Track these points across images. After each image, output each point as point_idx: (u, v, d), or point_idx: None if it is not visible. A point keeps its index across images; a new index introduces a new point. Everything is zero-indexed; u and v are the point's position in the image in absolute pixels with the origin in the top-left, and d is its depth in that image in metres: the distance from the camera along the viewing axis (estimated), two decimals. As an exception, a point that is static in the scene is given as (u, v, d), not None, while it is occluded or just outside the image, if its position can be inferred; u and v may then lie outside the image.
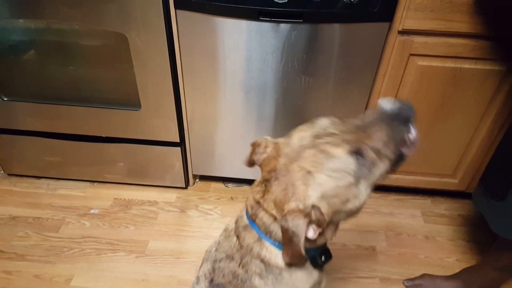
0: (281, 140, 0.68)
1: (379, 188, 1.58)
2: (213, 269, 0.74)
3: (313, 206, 0.60)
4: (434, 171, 1.43)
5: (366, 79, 1.23)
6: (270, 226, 0.66)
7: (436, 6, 1.06)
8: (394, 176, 1.46)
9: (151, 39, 1.18)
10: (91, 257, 1.34)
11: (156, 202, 1.55)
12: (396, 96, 1.25)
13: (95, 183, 1.62)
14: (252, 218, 0.69)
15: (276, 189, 0.63)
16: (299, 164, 0.61)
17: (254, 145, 0.71)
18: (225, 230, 0.77)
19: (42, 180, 1.63)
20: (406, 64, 1.18)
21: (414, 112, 0.65)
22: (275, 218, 0.65)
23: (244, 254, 0.70)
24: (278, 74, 1.24)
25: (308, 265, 0.71)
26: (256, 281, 0.69)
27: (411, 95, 1.24)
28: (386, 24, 1.12)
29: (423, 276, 1.28)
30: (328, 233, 0.68)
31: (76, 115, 1.39)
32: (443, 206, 1.56)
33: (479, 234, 1.45)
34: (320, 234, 0.63)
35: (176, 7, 1.13)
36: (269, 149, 0.68)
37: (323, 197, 0.60)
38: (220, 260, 0.73)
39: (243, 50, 1.20)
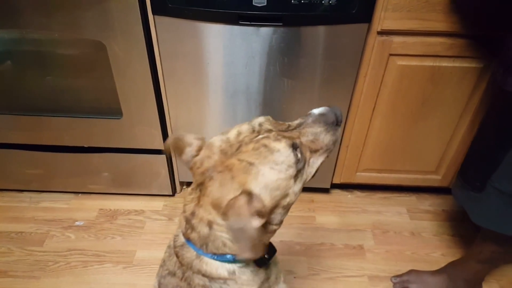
0: (215, 138, 0.67)
1: (365, 188, 1.62)
2: (160, 284, 0.74)
3: (254, 194, 0.58)
4: (417, 168, 1.45)
5: (348, 80, 1.24)
6: (207, 236, 0.63)
7: (413, 6, 1.08)
8: (379, 175, 1.48)
9: (130, 46, 1.16)
10: (77, 270, 1.32)
11: (143, 211, 1.53)
12: (377, 96, 1.26)
13: (80, 194, 1.59)
14: (186, 237, 0.66)
15: (212, 188, 0.61)
16: (238, 158, 0.61)
17: (182, 142, 0.67)
18: (169, 247, 0.74)
19: (25, 194, 1.59)
20: (386, 64, 1.19)
21: (340, 113, 0.70)
22: (210, 225, 0.62)
23: (185, 270, 0.68)
24: (260, 77, 1.24)
25: (253, 265, 0.70)
26: None
27: (392, 94, 1.25)
28: (365, 25, 1.13)
29: (410, 272, 1.29)
30: (266, 235, 0.67)
31: (56, 126, 1.36)
32: (427, 202, 1.58)
33: (463, 228, 1.47)
34: (263, 229, 0.62)
35: (154, 13, 1.12)
36: (203, 151, 0.65)
37: (266, 187, 0.60)
38: (164, 276, 0.73)
39: (224, 54, 1.20)
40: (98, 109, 1.34)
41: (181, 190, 1.62)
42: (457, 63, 1.18)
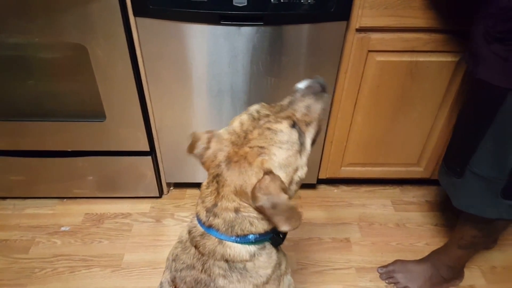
0: (221, 131, 0.72)
1: (350, 182, 1.65)
2: (175, 278, 0.74)
3: (273, 173, 0.64)
4: (400, 161, 1.49)
5: (329, 77, 1.27)
6: (234, 221, 0.67)
7: (389, 3, 1.11)
8: (363, 169, 1.51)
9: (111, 48, 1.16)
10: (64, 275, 1.30)
11: (130, 214, 1.52)
12: (358, 91, 1.29)
13: (65, 200, 1.57)
14: (207, 225, 0.69)
15: (232, 177, 0.66)
16: (249, 146, 0.66)
17: (194, 137, 0.72)
18: (180, 242, 0.77)
19: (8, 201, 1.56)
20: (366, 60, 1.22)
21: (323, 81, 0.77)
22: (237, 210, 0.66)
23: (206, 260, 0.71)
24: (244, 76, 1.25)
25: (268, 247, 0.74)
26: (220, 281, 0.70)
27: (373, 89, 1.28)
28: (344, 23, 1.15)
29: (395, 262, 1.33)
30: None
31: (39, 131, 1.35)
32: (411, 194, 1.62)
33: (446, 218, 1.52)
34: None
35: (135, 15, 1.12)
36: (213, 144, 0.70)
37: (280, 166, 0.66)
38: (180, 270, 0.73)
39: (207, 54, 1.20)
40: (81, 112, 1.33)
41: (168, 192, 1.61)
42: (434, 58, 1.21)
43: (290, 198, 0.69)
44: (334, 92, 1.30)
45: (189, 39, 1.17)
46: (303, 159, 0.71)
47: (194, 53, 1.20)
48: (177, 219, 1.51)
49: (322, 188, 1.65)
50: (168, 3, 1.09)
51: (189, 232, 0.74)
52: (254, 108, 0.73)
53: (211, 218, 0.68)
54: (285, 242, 0.77)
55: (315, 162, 1.49)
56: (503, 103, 0.85)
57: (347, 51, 1.21)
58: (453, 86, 1.28)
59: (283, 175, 0.66)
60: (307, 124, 0.73)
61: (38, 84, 1.27)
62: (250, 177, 0.64)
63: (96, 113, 1.30)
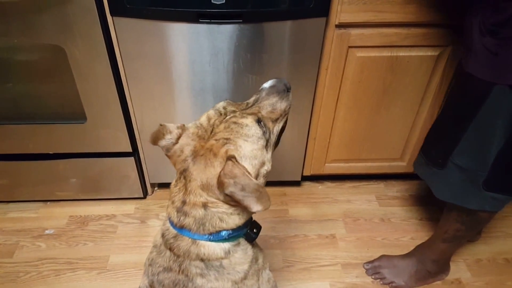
0: (190, 124, 0.73)
1: (335, 178, 1.65)
2: (152, 283, 0.74)
3: (235, 158, 0.65)
4: (383, 156, 1.49)
5: (310, 74, 1.27)
6: (204, 218, 0.67)
7: (368, -1, 1.11)
8: (347, 165, 1.52)
9: (89, 48, 1.15)
10: (49, 279, 1.29)
11: (114, 216, 1.51)
12: (340, 88, 1.29)
13: (48, 202, 1.55)
14: (179, 226, 0.69)
15: (198, 171, 0.66)
16: (215, 138, 0.67)
17: (163, 129, 0.72)
18: (155, 246, 0.76)
19: (-10, 205, 1.54)
20: (346, 56, 1.22)
21: (287, 81, 0.81)
22: (205, 205, 0.66)
23: (182, 261, 0.70)
24: (225, 75, 1.25)
25: (243, 243, 0.74)
26: (198, 280, 0.70)
27: (354, 85, 1.28)
28: (323, 19, 1.15)
29: (381, 257, 1.33)
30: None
31: (19, 134, 1.33)
32: (395, 189, 1.63)
33: (430, 212, 1.53)
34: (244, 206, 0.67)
35: (112, 14, 1.11)
36: (182, 138, 0.70)
37: (245, 157, 0.67)
38: (157, 274, 0.73)
39: (186, 53, 1.20)
40: (61, 114, 1.31)
41: (152, 192, 1.61)
42: (414, 52, 1.22)
43: None
44: (315, 88, 1.30)
45: (168, 38, 1.16)
46: (269, 154, 0.73)
47: (174, 52, 1.19)
48: (162, 220, 1.50)
49: (307, 185, 1.65)
50: (145, 1, 1.08)
51: (163, 235, 0.73)
52: (220, 104, 0.75)
53: (182, 218, 0.68)
54: (271, 240, 0.78)
55: (299, 159, 1.49)
56: (488, 97, 0.86)
57: (327, 47, 1.21)
58: (434, 80, 1.28)
59: (249, 167, 0.67)
60: (273, 121, 0.75)
61: (17, 86, 1.25)
62: (215, 169, 0.64)
63: (77, 115, 1.29)
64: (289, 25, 1.16)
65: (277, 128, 0.76)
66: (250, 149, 0.68)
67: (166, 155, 0.72)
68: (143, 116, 1.33)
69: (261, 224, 0.78)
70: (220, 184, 0.63)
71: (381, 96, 1.31)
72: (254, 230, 0.75)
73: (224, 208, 0.67)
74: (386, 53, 1.21)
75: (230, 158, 0.64)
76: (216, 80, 1.26)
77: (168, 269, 0.72)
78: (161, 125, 0.73)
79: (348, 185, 1.65)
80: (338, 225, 1.48)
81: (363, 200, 1.58)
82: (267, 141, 0.72)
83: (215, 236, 0.69)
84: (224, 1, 1.09)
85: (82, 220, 1.49)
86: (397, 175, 1.62)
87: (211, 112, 0.73)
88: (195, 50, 1.19)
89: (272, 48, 1.20)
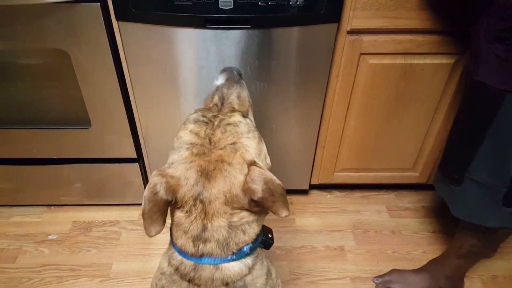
0: (173, 156, 0.66)
1: (343, 187, 1.61)
2: None
3: (256, 163, 0.63)
4: (395, 166, 1.45)
5: (320, 81, 1.23)
6: (228, 237, 0.63)
7: (382, 4, 1.07)
8: (357, 174, 1.47)
9: (94, 53, 1.12)
10: (52, 285, 1.28)
11: (118, 222, 1.49)
12: (350, 95, 1.25)
13: (52, 207, 1.54)
14: (198, 255, 0.64)
15: (217, 187, 0.61)
16: (219, 147, 0.63)
17: (156, 191, 0.62)
18: (163, 273, 0.70)
19: (-6, 209, 1.54)
20: (358, 63, 1.18)
21: (238, 69, 0.85)
22: (229, 222, 0.63)
23: None
24: (232, 81, 1.22)
25: (259, 253, 0.71)
26: None
27: (366, 93, 1.24)
28: (334, 25, 1.11)
29: (391, 272, 1.29)
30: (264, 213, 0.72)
31: (24, 139, 1.31)
32: (406, 200, 1.58)
33: (443, 224, 1.48)
34: (264, 207, 0.66)
35: (117, 19, 1.08)
36: (172, 171, 0.63)
37: (256, 156, 0.65)
38: None
39: (193, 58, 1.17)
40: (65, 119, 1.29)
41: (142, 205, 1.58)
42: (428, 60, 1.17)
43: None
44: (325, 96, 1.26)
45: (175, 44, 1.13)
46: (265, 145, 0.72)
47: (180, 58, 1.16)
48: (166, 226, 1.46)
49: (315, 193, 1.61)
50: (151, 7, 1.05)
51: (177, 269, 0.67)
52: (193, 116, 0.71)
53: (201, 246, 0.63)
54: (277, 251, 0.75)
55: (307, 168, 1.45)
56: (501, 107, 0.82)
57: (339, 54, 1.17)
58: (449, 88, 1.23)
59: (262, 163, 0.65)
60: (246, 111, 0.77)
61: (21, 91, 1.24)
62: (236, 177, 0.61)
63: (81, 120, 1.27)
64: (299, 31, 1.12)
65: (251, 117, 0.77)
66: (255, 146, 0.66)
67: (173, 199, 0.63)
68: (148, 122, 1.31)
69: (266, 234, 0.76)
70: (248, 191, 0.60)
71: (394, 105, 1.27)
72: (269, 235, 0.73)
73: (246, 216, 0.64)
74: (399, 60, 1.17)
75: (252, 163, 0.62)
76: (223, 86, 1.23)
77: None
78: (159, 174, 0.63)
79: (357, 194, 1.60)
80: (347, 237, 1.43)
81: (373, 210, 1.53)
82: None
83: (238, 255, 0.65)
84: (232, 6, 1.05)
85: (86, 226, 1.47)
86: (409, 185, 1.57)
87: (194, 126, 0.67)
88: (201, 55, 1.16)
89: (281, 54, 1.16)
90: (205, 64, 1.17)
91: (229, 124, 0.66)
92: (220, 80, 0.81)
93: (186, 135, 0.67)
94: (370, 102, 1.26)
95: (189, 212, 0.63)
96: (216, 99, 0.77)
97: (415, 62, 1.17)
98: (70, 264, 1.34)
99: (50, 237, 1.43)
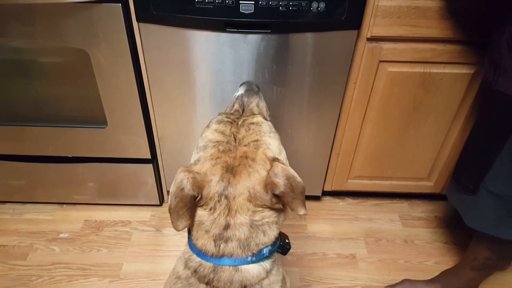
0: (199, 154, 0.68)
1: (356, 194, 1.60)
2: None
3: (278, 159, 0.66)
4: (409, 175, 1.43)
5: (337, 87, 1.22)
6: (249, 237, 0.64)
7: (403, 13, 1.06)
8: (371, 182, 1.46)
9: (114, 54, 1.13)
10: (62, 284, 1.28)
11: (130, 222, 1.49)
12: (368, 103, 1.24)
13: (64, 205, 1.54)
14: (219, 255, 0.64)
15: (242, 182, 0.63)
16: (244, 144, 0.66)
17: (182, 187, 0.63)
18: (178, 277, 0.70)
19: (7, 205, 1.54)
20: (376, 70, 1.17)
21: (256, 83, 0.89)
22: (251, 220, 0.63)
23: None
24: (249, 85, 1.22)
25: (276, 258, 0.72)
26: None
27: (383, 100, 1.23)
28: (355, 32, 1.11)
29: (403, 281, 1.27)
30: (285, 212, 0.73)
31: (40, 136, 1.32)
32: (420, 209, 1.57)
33: (456, 235, 1.46)
34: (284, 204, 0.68)
35: (138, 21, 1.09)
36: (199, 167, 0.65)
37: (276, 153, 0.68)
38: None
39: (211, 62, 1.17)
40: (82, 118, 1.30)
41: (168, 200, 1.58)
42: (448, 69, 1.16)
43: None
44: (342, 102, 1.26)
45: (194, 46, 1.14)
46: (284, 149, 0.74)
47: (198, 61, 1.16)
48: (178, 232, 1.47)
49: (327, 200, 1.60)
50: (172, 9, 1.06)
51: (195, 271, 0.67)
52: (218, 118, 0.75)
53: (222, 246, 0.63)
54: (288, 257, 0.76)
55: (320, 173, 1.44)
56: None
57: (357, 60, 1.16)
58: (467, 99, 1.22)
59: (282, 161, 0.67)
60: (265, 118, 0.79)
61: (40, 88, 1.25)
62: (259, 172, 0.62)
63: (98, 120, 1.27)
64: (318, 37, 1.12)
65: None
66: (276, 144, 0.69)
67: (197, 195, 0.64)
68: (164, 124, 1.31)
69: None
70: (271, 185, 0.61)
71: (411, 113, 1.26)
72: (286, 241, 0.74)
73: (268, 216, 0.64)
74: (418, 69, 1.16)
75: (275, 159, 0.63)
76: (240, 90, 1.23)
77: None
78: (184, 171, 0.64)
79: (370, 202, 1.59)
80: (359, 245, 1.42)
81: (385, 219, 1.52)
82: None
83: (257, 257, 0.65)
84: (252, 10, 1.05)
85: (97, 225, 1.47)
86: (422, 195, 1.55)
87: (219, 126, 0.72)
88: (220, 59, 1.16)
89: (299, 59, 1.16)
90: (223, 67, 1.18)
91: (252, 123, 0.70)
92: (240, 91, 0.84)
93: (211, 134, 0.70)
94: (387, 110, 1.25)
95: (213, 209, 0.63)
96: (236, 106, 0.81)
97: (434, 71, 1.16)
98: (80, 263, 1.34)
99: (61, 235, 1.43)
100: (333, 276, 1.32)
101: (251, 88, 0.85)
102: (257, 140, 0.67)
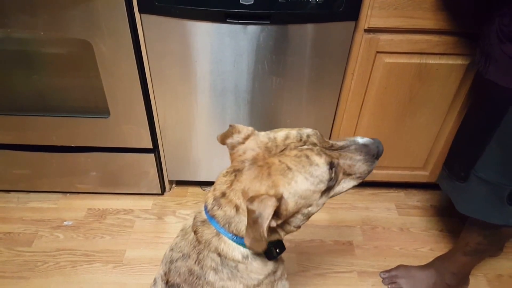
0: (262, 133, 0.71)
1: (354, 184, 1.62)
2: (169, 270, 0.74)
3: (282, 198, 0.63)
4: (405, 164, 1.46)
5: (335, 78, 1.25)
6: (231, 217, 0.67)
7: (400, 4, 1.08)
8: (367, 171, 1.49)
9: (116, 44, 1.15)
10: (66, 270, 1.31)
11: (132, 210, 1.52)
12: (365, 93, 1.27)
13: (68, 194, 1.57)
14: (211, 213, 0.70)
15: (247, 177, 0.65)
16: (280, 159, 0.65)
17: (233, 129, 0.72)
18: (182, 230, 0.78)
19: (12, 194, 1.57)
20: (374, 61, 1.19)
21: (382, 148, 0.73)
22: (238, 209, 0.66)
23: (201, 249, 0.70)
24: (248, 76, 1.24)
25: (263, 256, 0.73)
26: (211, 276, 0.70)
27: (380, 91, 1.26)
28: (352, 23, 1.13)
29: (398, 267, 1.31)
30: (281, 232, 0.72)
31: (43, 126, 1.35)
32: (415, 198, 1.60)
33: (451, 223, 1.49)
34: (274, 229, 0.68)
35: (140, 12, 1.11)
36: (249, 141, 0.70)
37: (294, 194, 0.64)
38: (176, 260, 0.73)
39: (212, 52, 1.19)
40: (85, 108, 1.32)
41: (170, 189, 1.61)
42: (443, 60, 1.19)
43: (291, 225, 0.70)
44: (340, 93, 1.28)
45: (194, 37, 1.16)
46: (322, 200, 0.69)
47: (199, 51, 1.19)
48: (179, 217, 1.50)
49: (326, 189, 1.63)
50: (174, 0, 1.08)
51: (194, 217, 0.74)
52: (306, 131, 0.71)
53: (215, 208, 0.69)
54: (286, 244, 0.77)
55: (319, 164, 1.47)
56: (511, 106, 0.84)
57: (355, 51, 1.19)
58: (462, 89, 1.25)
59: (291, 204, 0.65)
60: (345, 174, 0.71)
61: (43, 79, 1.27)
62: (261, 186, 0.63)
63: (100, 110, 1.30)
64: (317, 28, 1.14)
65: (346, 183, 0.72)
66: (305, 188, 0.65)
67: (230, 152, 0.72)
68: (166, 114, 1.33)
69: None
70: (251, 200, 0.62)
71: (407, 104, 1.28)
72: (277, 250, 0.74)
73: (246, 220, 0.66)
74: (415, 60, 1.19)
75: (278, 197, 0.62)
76: (239, 81, 1.25)
77: (186, 256, 0.72)
78: (231, 125, 0.72)
79: (367, 192, 1.62)
80: (355, 232, 1.46)
81: (382, 208, 1.56)
82: (328, 188, 0.68)
83: (239, 239, 0.68)
84: (252, 2, 1.08)
85: (100, 213, 1.50)
86: (418, 184, 1.58)
87: (293, 134, 0.69)
88: (220, 50, 1.18)
89: (298, 50, 1.18)
90: (223, 58, 1.20)
91: (307, 156, 0.65)
92: (361, 140, 0.73)
93: (282, 132, 0.70)
94: (384, 100, 1.28)
95: (226, 174, 0.69)
96: (342, 143, 0.73)
97: (430, 62, 1.19)
98: (84, 250, 1.37)
99: (65, 223, 1.47)
100: (330, 262, 1.35)
101: (368, 146, 0.72)
102: (290, 168, 0.64)
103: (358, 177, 0.73)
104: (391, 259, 1.36)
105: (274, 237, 0.72)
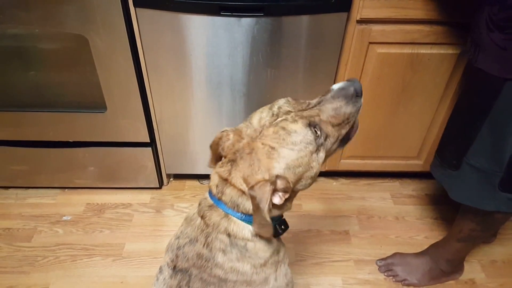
0: (241, 124, 0.73)
1: (350, 175, 1.65)
2: (176, 256, 0.75)
3: (278, 176, 0.66)
4: (400, 154, 1.48)
5: (329, 69, 1.26)
6: (238, 199, 0.69)
7: (391, -5, 1.10)
8: (362, 161, 1.51)
9: (112, 39, 1.16)
10: (66, 264, 1.32)
11: (130, 204, 1.53)
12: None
13: (66, 190, 1.58)
14: (217, 197, 0.71)
15: (243, 166, 0.68)
16: (262, 142, 0.67)
17: (216, 142, 0.74)
18: (186, 219, 0.79)
19: (10, 190, 1.58)
20: (366, 52, 1.21)
21: (359, 85, 0.73)
22: (243, 192, 0.68)
23: (209, 232, 0.72)
24: (244, 68, 1.25)
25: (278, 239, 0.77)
26: (220, 257, 0.71)
27: (373, 82, 1.28)
28: (345, 14, 1.15)
29: (394, 255, 1.33)
30: (289, 202, 0.75)
31: (40, 121, 1.36)
32: (410, 187, 1.62)
33: (445, 211, 1.52)
34: (285, 201, 0.70)
35: (135, 5, 1.12)
36: (231, 136, 0.72)
37: (288, 168, 0.67)
38: (183, 246, 0.75)
39: (206, 46, 1.20)
40: (82, 103, 1.33)
41: (168, 183, 1.63)
42: (435, 50, 1.21)
43: (299, 189, 0.72)
44: (334, 83, 1.30)
45: (189, 30, 1.17)
46: (321, 156, 0.70)
47: (194, 45, 1.20)
48: (177, 210, 1.52)
49: (321, 180, 1.65)
50: (168, -7, 1.09)
51: (199, 203, 0.76)
52: (277, 103, 0.72)
53: (220, 193, 0.71)
54: (284, 234, 0.78)
55: (315, 155, 1.49)
56: (500, 94, 0.85)
57: (348, 42, 1.20)
58: (454, 79, 1.27)
59: (291, 176, 0.67)
60: (334, 125, 0.71)
61: (39, 74, 1.28)
62: (256, 172, 0.66)
63: (97, 104, 1.31)
64: (310, 20, 1.16)
65: (339, 133, 0.73)
66: (294, 158, 0.66)
67: (223, 155, 0.74)
68: (162, 108, 1.35)
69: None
70: (251, 188, 0.65)
71: (400, 94, 1.30)
72: (282, 227, 0.77)
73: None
74: (407, 50, 1.20)
75: (272, 180, 0.65)
76: (234, 73, 1.27)
77: (194, 241, 0.73)
78: (223, 131, 0.74)
79: (363, 182, 1.64)
80: (351, 222, 1.48)
81: (377, 197, 1.58)
82: (320, 145, 0.69)
83: (247, 217, 0.70)
84: (246, -6, 1.09)
85: (99, 208, 1.52)
86: (413, 173, 1.61)
87: (265, 113, 0.71)
88: (215, 43, 1.20)
89: (292, 42, 1.20)
90: (218, 51, 1.21)
91: (283, 128, 0.66)
92: (335, 86, 0.74)
93: (256, 116, 0.72)
94: (377, 90, 1.30)
95: (223, 164, 0.72)
96: (317, 98, 0.74)
97: (422, 52, 1.21)
98: (83, 244, 1.39)
99: (64, 218, 1.48)
100: (327, 251, 1.37)
101: (344, 88, 0.72)
102: (273, 148, 0.66)
103: (349, 121, 0.73)
104: (387, 247, 1.38)
105: (285, 208, 0.75)
